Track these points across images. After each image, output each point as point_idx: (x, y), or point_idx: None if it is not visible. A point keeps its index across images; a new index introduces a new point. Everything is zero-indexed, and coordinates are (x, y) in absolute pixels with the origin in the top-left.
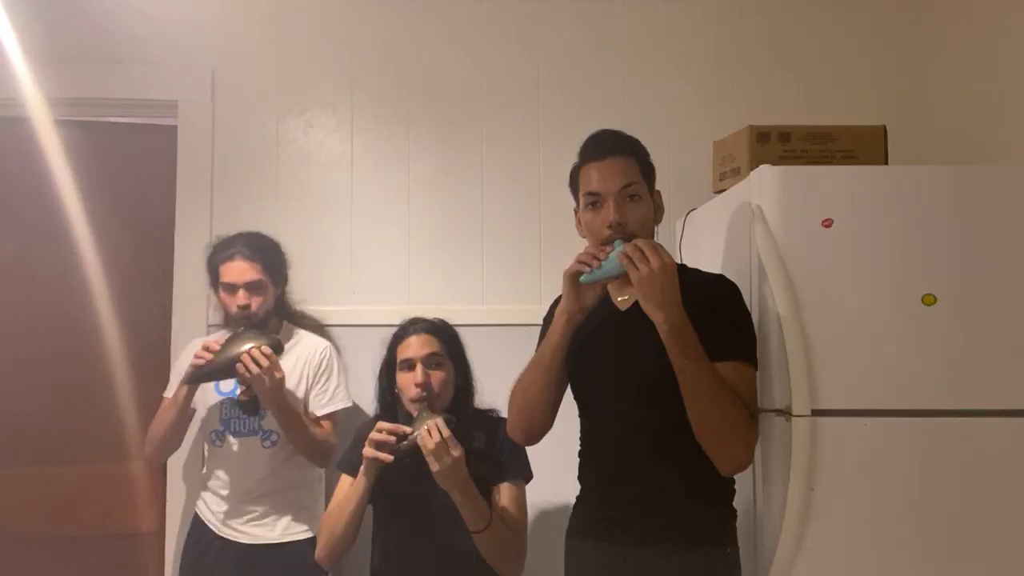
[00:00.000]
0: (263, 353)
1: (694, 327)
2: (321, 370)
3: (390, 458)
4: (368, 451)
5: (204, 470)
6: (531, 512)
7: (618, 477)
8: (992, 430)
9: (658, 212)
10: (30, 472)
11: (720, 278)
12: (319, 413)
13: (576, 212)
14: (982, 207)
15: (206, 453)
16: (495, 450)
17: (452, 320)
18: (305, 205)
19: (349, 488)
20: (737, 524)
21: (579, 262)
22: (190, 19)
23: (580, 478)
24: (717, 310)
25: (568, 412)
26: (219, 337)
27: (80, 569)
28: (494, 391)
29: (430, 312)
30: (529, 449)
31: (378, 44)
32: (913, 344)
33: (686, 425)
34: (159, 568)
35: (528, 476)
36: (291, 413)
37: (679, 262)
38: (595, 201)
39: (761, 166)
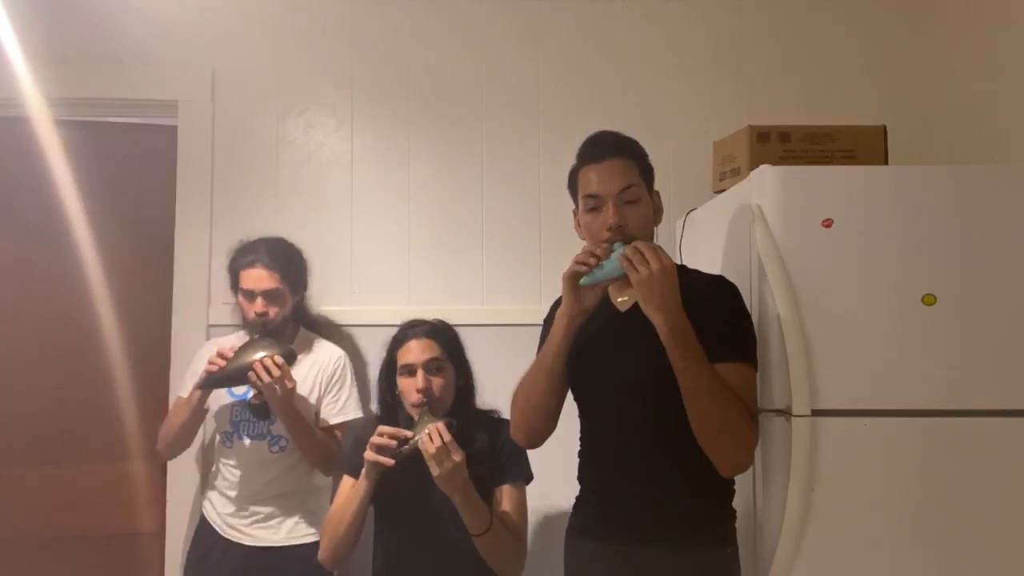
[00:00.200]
0: (275, 363)
1: (694, 328)
2: (334, 380)
3: (391, 462)
4: (369, 455)
5: (213, 468)
6: (531, 512)
7: (618, 477)
8: (992, 430)
9: (657, 213)
10: (30, 472)
11: (720, 279)
12: (330, 422)
13: (575, 214)
14: (982, 207)
15: (216, 452)
16: (496, 451)
17: (452, 320)
18: (305, 205)
19: (350, 490)
20: (737, 524)
21: (577, 262)
22: (190, 19)
23: (580, 478)
24: (717, 311)
25: (568, 412)
26: (234, 342)
27: (80, 569)
28: (495, 391)
29: (430, 312)
30: (529, 450)
31: (378, 44)
32: (913, 344)
33: (686, 426)
34: (159, 568)
35: (529, 477)
36: (300, 421)
37: (679, 262)
38: (594, 203)
39: (761, 166)
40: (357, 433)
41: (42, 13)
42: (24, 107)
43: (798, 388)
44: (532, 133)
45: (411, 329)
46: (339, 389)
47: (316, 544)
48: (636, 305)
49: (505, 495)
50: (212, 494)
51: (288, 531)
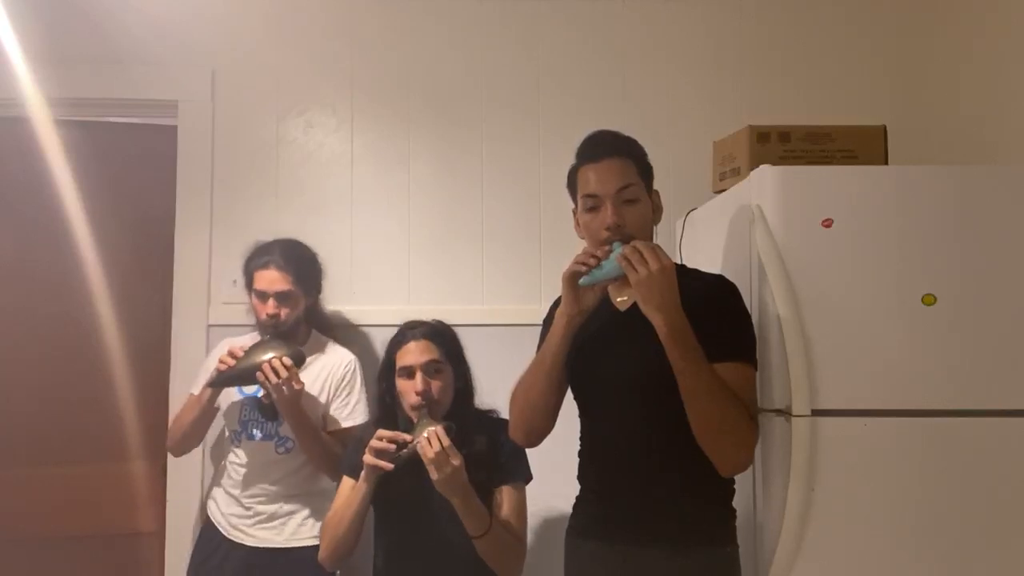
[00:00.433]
0: (283, 364)
1: (693, 328)
2: (344, 384)
3: (390, 466)
4: (368, 459)
5: (220, 466)
6: (531, 512)
7: (618, 477)
8: (992, 430)
9: (657, 212)
10: (30, 472)
11: (719, 279)
12: (339, 426)
13: (574, 213)
14: (982, 207)
15: (224, 450)
16: (495, 452)
17: (452, 320)
18: (305, 205)
19: (350, 492)
20: (737, 524)
21: (577, 263)
22: (190, 19)
23: (580, 478)
24: (716, 311)
25: (568, 412)
26: (246, 342)
27: (80, 569)
28: (494, 391)
29: (430, 313)
30: (530, 449)
31: (378, 44)
32: (913, 344)
33: (686, 426)
34: (159, 568)
35: (528, 478)
36: (306, 424)
37: (679, 262)
38: (593, 204)
39: (761, 166)
40: (357, 434)
41: (42, 13)
42: (24, 107)
43: (798, 388)
44: (532, 133)
45: (409, 331)
46: (348, 393)
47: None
48: (636, 305)
49: (505, 496)
50: (217, 492)
51: (291, 532)
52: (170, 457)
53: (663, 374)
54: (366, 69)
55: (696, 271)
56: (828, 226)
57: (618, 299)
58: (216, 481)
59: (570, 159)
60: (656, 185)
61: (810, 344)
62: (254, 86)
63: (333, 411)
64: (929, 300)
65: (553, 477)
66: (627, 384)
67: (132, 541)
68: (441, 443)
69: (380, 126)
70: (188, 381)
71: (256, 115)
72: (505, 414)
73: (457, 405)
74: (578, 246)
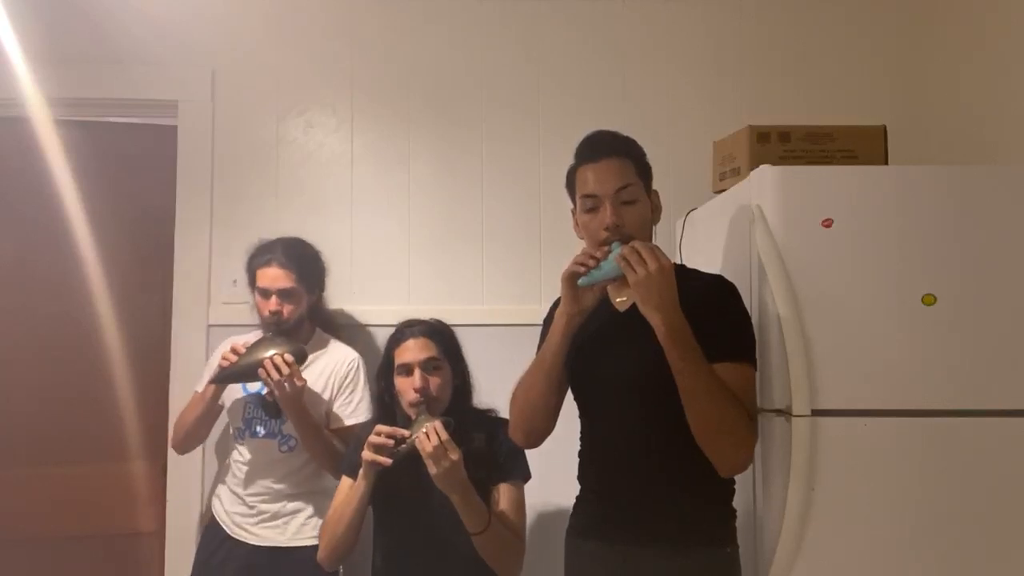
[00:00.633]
0: (285, 361)
1: (693, 328)
2: (347, 381)
3: (388, 462)
4: (367, 455)
5: (224, 463)
6: (531, 512)
7: (618, 477)
8: (992, 430)
9: (656, 212)
10: (30, 472)
11: (719, 279)
12: (342, 424)
13: (573, 214)
14: (982, 207)
15: (228, 448)
16: (494, 450)
17: (452, 320)
18: (305, 205)
19: (349, 490)
20: (737, 524)
21: (576, 263)
22: (190, 19)
23: (580, 478)
24: (716, 311)
25: (568, 412)
26: (249, 340)
27: (80, 569)
28: (494, 391)
29: (430, 312)
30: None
31: (378, 44)
32: (913, 344)
33: (685, 426)
34: (159, 568)
35: (527, 476)
36: (309, 421)
37: (679, 262)
38: (592, 204)
39: (761, 166)
40: (356, 433)
41: (42, 13)
42: (24, 107)
43: (798, 388)
44: (532, 133)
45: (408, 328)
46: (352, 391)
47: None
48: (635, 305)
49: (503, 494)
50: (222, 489)
51: (294, 532)
52: (170, 456)
53: (662, 374)
54: (366, 69)
55: (695, 271)
56: (828, 226)
57: (617, 299)
58: (220, 479)
59: (570, 159)
60: (656, 185)
61: (810, 344)
62: (254, 86)
63: (336, 409)
64: (929, 300)
65: (553, 477)
66: (627, 384)
67: (132, 541)
68: (439, 437)
69: (380, 126)
70: (188, 381)
71: (256, 115)
72: (504, 413)
73: (455, 403)
74: (578, 246)
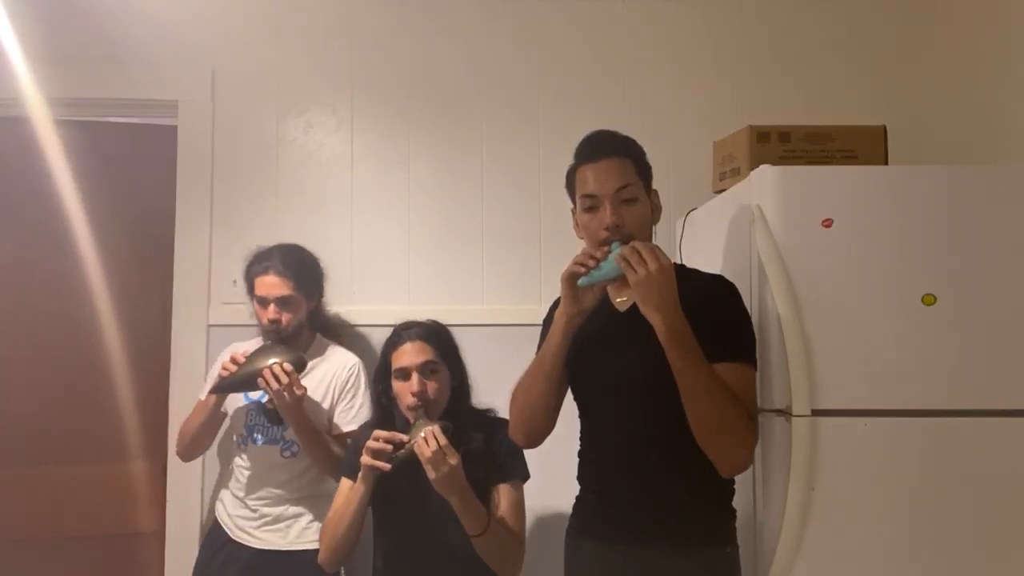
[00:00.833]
0: (284, 370)
1: (693, 328)
2: (347, 387)
3: (387, 467)
4: (365, 459)
5: (228, 469)
6: (531, 512)
7: (618, 477)
8: (992, 430)
9: (656, 212)
10: (30, 472)
11: (719, 279)
12: (343, 429)
13: (573, 214)
14: (982, 207)
15: (231, 454)
16: (493, 451)
17: (452, 320)
18: (305, 205)
19: (348, 493)
20: (737, 524)
21: (576, 264)
22: (190, 19)
23: (580, 478)
24: (716, 311)
25: (568, 412)
26: (248, 348)
27: (80, 569)
28: (494, 391)
29: (430, 312)
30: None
31: (378, 44)
32: (913, 344)
33: (686, 426)
34: (159, 568)
35: (525, 476)
36: (310, 428)
37: (679, 262)
38: (592, 204)
39: (761, 166)
40: (355, 436)
41: (42, 13)
42: (24, 107)
43: (798, 388)
44: (532, 133)
45: (404, 332)
46: (353, 396)
47: None
48: (635, 305)
49: (503, 494)
50: (225, 494)
51: (296, 535)
52: (170, 457)
53: (663, 375)
54: (366, 69)
55: (695, 271)
56: (828, 226)
57: (618, 300)
58: (224, 483)
59: (570, 159)
60: (656, 185)
61: (810, 344)
62: (254, 86)
63: (338, 414)
64: (929, 300)
65: (553, 477)
66: (627, 385)
67: (132, 541)
68: (438, 442)
69: (380, 126)
70: (188, 381)
71: (256, 115)
72: (503, 413)
73: (454, 404)
74: (578, 246)
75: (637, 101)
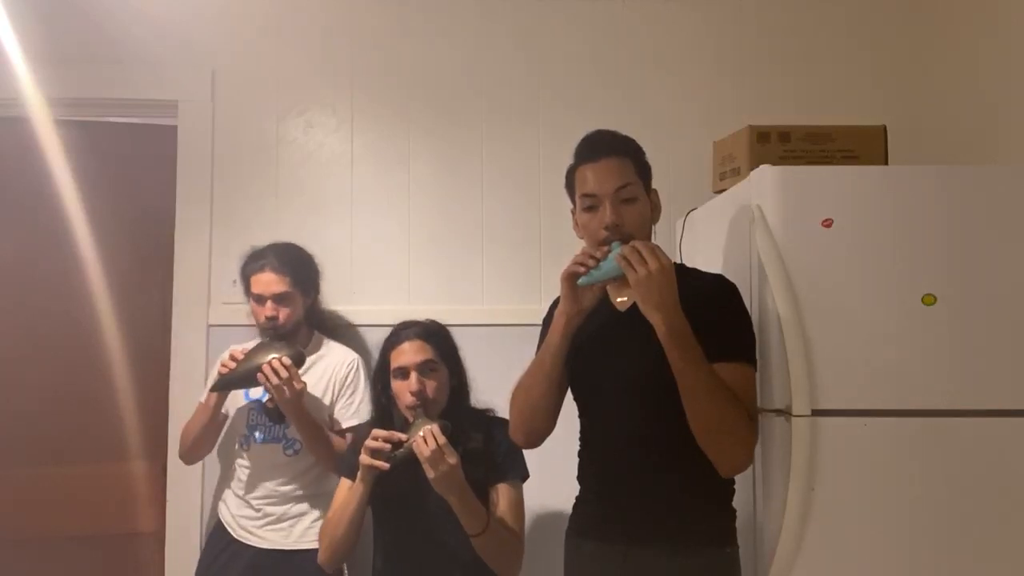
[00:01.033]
0: (283, 365)
1: (693, 328)
2: (347, 383)
3: (386, 466)
4: (364, 459)
5: (230, 469)
6: (530, 512)
7: (618, 477)
8: (992, 430)
9: (655, 211)
10: (30, 472)
11: (719, 278)
12: (343, 425)
13: (573, 214)
14: (982, 207)
15: (233, 454)
16: (492, 450)
17: (452, 320)
18: (305, 205)
19: (348, 493)
20: (737, 524)
21: (576, 263)
22: (190, 19)
23: (580, 478)
24: (716, 311)
25: (568, 412)
26: (247, 345)
27: (80, 569)
28: (494, 391)
29: (430, 312)
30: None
31: (378, 44)
32: (913, 344)
33: (686, 426)
34: (159, 568)
35: (525, 476)
36: (311, 424)
37: (679, 262)
38: (591, 203)
39: (761, 166)
40: (354, 435)
41: (42, 13)
42: (24, 107)
43: (798, 388)
44: (532, 133)
45: (403, 331)
46: (352, 392)
47: None
48: (636, 305)
49: (502, 494)
50: (228, 494)
51: (299, 535)
52: (170, 457)
53: (663, 375)
54: (366, 69)
55: (695, 270)
56: (828, 226)
57: (618, 300)
58: (226, 484)
59: (570, 159)
60: (656, 185)
61: (810, 344)
62: (254, 86)
63: (338, 410)
64: (929, 300)
65: (552, 477)
66: (627, 385)
67: (132, 541)
68: (436, 442)
69: (380, 126)
70: (188, 381)
71: (256, 115)
72: (502, 413)
73: (453, 403)
74: (577, 247)
75: (637, 101)
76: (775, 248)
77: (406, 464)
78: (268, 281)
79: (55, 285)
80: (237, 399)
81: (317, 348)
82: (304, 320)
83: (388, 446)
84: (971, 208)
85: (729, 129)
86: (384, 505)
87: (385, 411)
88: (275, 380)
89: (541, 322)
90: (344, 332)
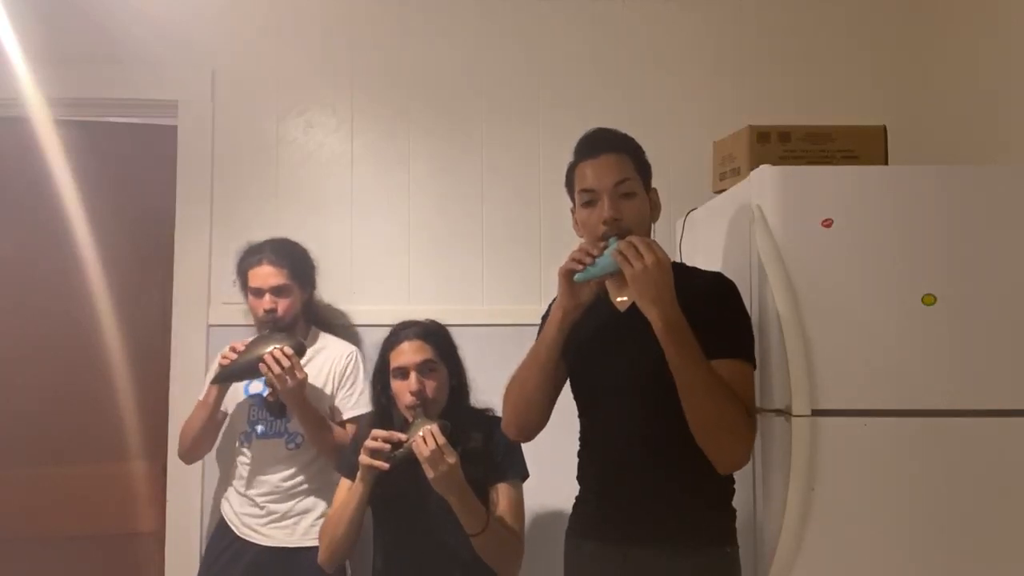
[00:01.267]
0: (285, 354)
1: (691, 325)
2: (347, 375)
3: (385, 466)
4: (364, 459)
5: (232, 467)
6: (530, 512)
7: (618, 477)
8: (992, 430)
9: (655, 210)
10: (30, 472)
11: (717, 276)
12: (343, 417)
13: (573, 213)
14: (982, 207)
15: (234, 451)
16: (491, 450)
17: (451, 320)
18: (305, 205)
19: (347, 493)
20: (737, 524)
21: (573, 259)
22: (190, 19)
23: (579, 478)
24: (714, 308)
25: (567, 412)
26: (246, 339)
27: (80, 569)
28: (493, 391)
29: (430, 312)
30: (529, 449)
31: (378, 44)
32: (913, 344)
33: (686, 426)
34: (159, 568)
35: (524, 475)
36: (312, 414)
37: (679, 262)
38: (590, 198)
39: (761, 166)
40: (354, 435)
41: (42, 13)
42: (24, 107)
43: (798, 388)
44: (532, 133)
45: (403, 331)
46: (352, 383)
47: None
48: (635, 305)
49: (501, 493)
50: (230, 492)
51: (303, 532)
52: (170, 456)
53: (663, 375)
54: (366, 69)
55: (695, 268)
56: (828, 226)
57: (618, 299)
58: (228, 481)
59: (569, 159)
60: (656, 185)
61: (810, 344)
62: (254, 86)
63: (339, 402)
64: (929, 300)
65: (552, 477)
66: (626, 384)
67: (132, 541)
68: (436, 441)
69: (380, 126)
70: (188, 381)
71: (256, 115)
72: (501, 413)
73: (452, 403)
74: (577, 246)
75: (637, 101)
76: (775, 248)
77: (406, 464)
78: (266, 274)
79: (55, 285)
80: (236, 397)
81: (315, 341)
82: (301, 314)
83: (388, 446)
84: (971, 208)
85: (729, 129)
86: (384, 505)
87: (385, 411)
88: (277, 369)
89: (540, 321)
90: (341, 327)
